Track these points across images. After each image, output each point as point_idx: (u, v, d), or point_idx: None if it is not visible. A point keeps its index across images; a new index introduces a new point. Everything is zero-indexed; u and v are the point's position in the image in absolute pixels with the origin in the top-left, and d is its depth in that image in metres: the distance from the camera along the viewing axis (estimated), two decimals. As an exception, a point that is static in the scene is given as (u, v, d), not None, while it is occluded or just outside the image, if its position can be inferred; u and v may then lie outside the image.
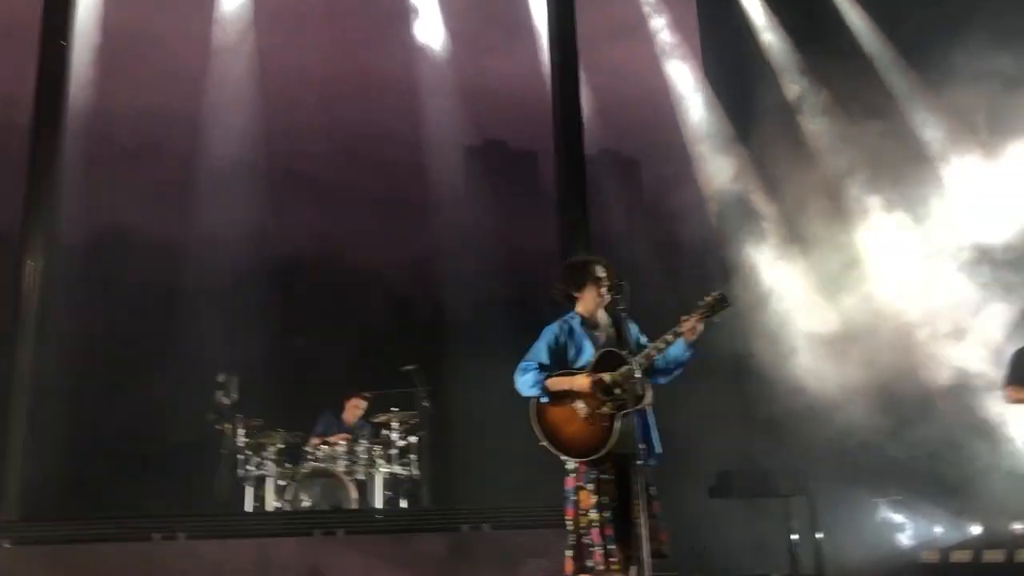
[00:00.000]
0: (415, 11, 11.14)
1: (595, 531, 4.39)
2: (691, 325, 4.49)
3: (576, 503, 4.48)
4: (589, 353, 4.65)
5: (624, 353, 4.46)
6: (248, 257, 9.69)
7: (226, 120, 9.82)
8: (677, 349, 4.58)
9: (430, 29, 11.08)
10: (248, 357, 8.74)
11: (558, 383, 4.56)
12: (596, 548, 4.35)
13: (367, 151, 10.56)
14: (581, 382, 4.50)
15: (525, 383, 4.61)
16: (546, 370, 4.61)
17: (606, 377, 4.50)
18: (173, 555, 6.68)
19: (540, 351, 4.68)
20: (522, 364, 4.66)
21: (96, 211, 9.42)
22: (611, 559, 4.34)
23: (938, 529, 9.15)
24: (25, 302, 7.89)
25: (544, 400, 4.57)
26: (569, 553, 4.43)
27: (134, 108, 9.64)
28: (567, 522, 4.49)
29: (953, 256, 9.02)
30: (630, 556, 4.35)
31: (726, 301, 4.53)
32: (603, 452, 4.45)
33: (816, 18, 10.62)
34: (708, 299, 4.53)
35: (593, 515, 4.41)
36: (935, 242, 9.18)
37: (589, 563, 4.35)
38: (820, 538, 8.02)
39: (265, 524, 7.42)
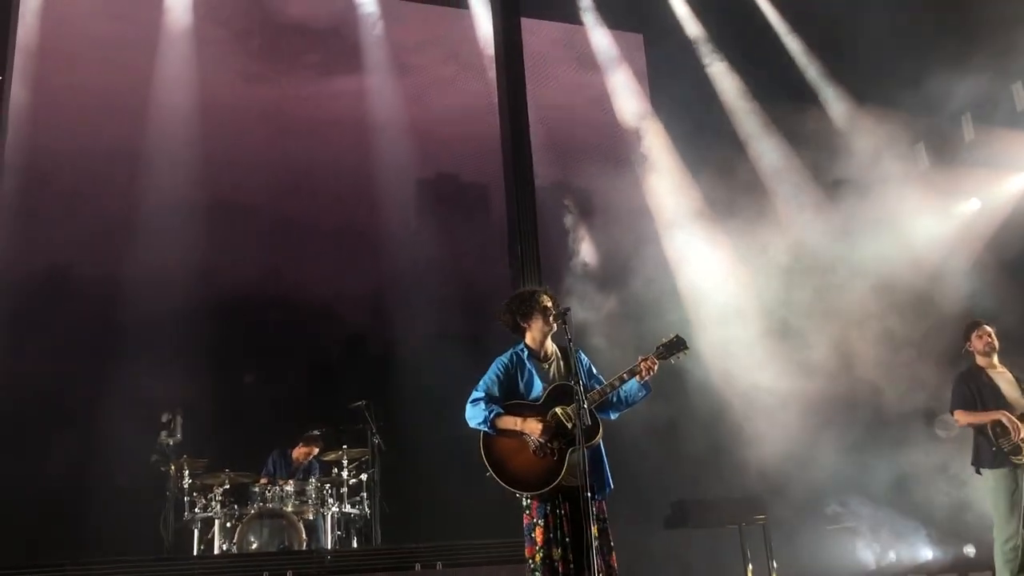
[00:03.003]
0: (365, 44, 11.15)
1: (546, 568, 4.35)
2: (647, 365, 4.54)
3: (533, 540, 4.45)
4: (538, 387, 4.65)
5: (574, 386, 4.42)
6: (193, 294, 9.47)
7: (168, 155, 9.62)
8: (631, 387, 4.63)
9: (379, 61, 11.07)
10: (193, 396, 8.56)
11: (507, 423, 4.53)
12: None
13: (315, 184, 10.47)
14: (531, 427, 4.47)
15: (474, 417, 4.59)
16: (495, 401, 4.59)
17: (558, 411, 4.49)
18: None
19: (491, 382, 4.66)
20: (472, 396, 4.65)
21: (35, 250, 9.20)
22: None
23: (892, 555, 9.20)
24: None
25: (491, 433, 4.53)
26: None
27: (73, 145, 9.45)
28: (528, 561, 4.45)
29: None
30: None
31: (683, 344, 4.66)
32: (552, 487, 4.41)
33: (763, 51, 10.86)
34: (666, 341, 4.65)
35: (546, 551, 4.38)
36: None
37: None
38: (775, 566, 8.00)
39: (212, 567, 7.20)
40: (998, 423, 6.14)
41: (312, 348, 10.35)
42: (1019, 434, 6.08)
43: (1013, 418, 6.12)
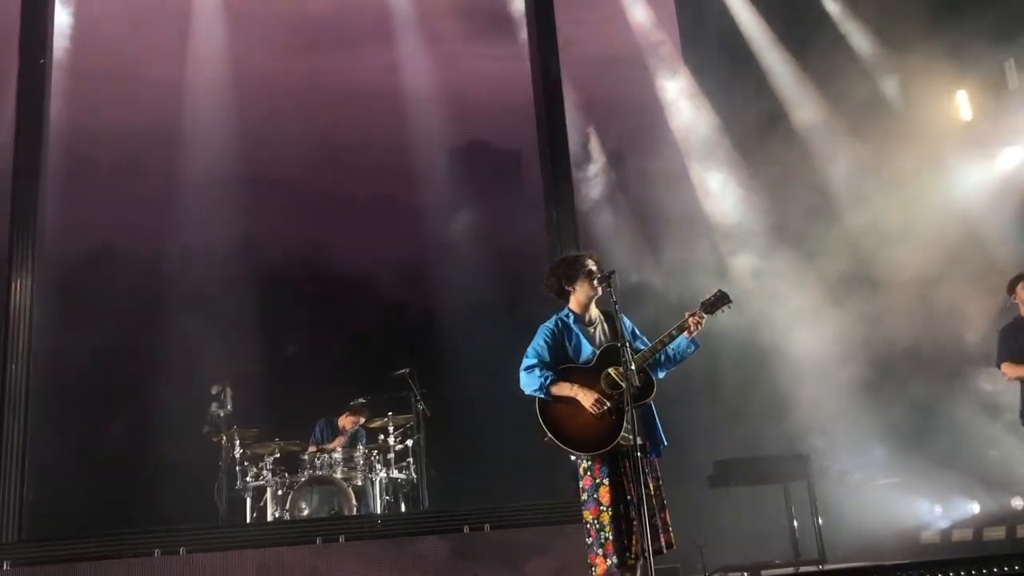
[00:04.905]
0: (394, 13, 11.10)
1: (614, 526, 4.44)
2: (695, 321, 4.59)
3: (597, 500, 4.51)
4: (587, 350, 4.70)
5: (622, 348, 4.48)
6: (235, 268, 9.67)
7: (205, 132, 9.75)
8: (679, 344, 4.68)
9: (409, 31, 11.04)
10: (241, 368, 8.72)
11: (561, 389, 4.58)
12: (617, 543, 4.41)
13: (350, 157, 10.52)
14: (585, 398, 4.52)
15: (529, 384, 4.65)
16: (547, 366, 4.64)
17: (611, 371, 4.55)
18: (175, 570, 6.63)
19: (540, 348, 4.72)
20: (525, 363, 4.70)
21: (82, 228, 9.38)
22: (629, 552, 4.41)
23: (938, 508, 9.16)
24: (15, 321, 7.81)
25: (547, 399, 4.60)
26: (598, 551, 4.46)
27: (113, 124, 9.58)
28: (588, 522, 4.52)
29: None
30: (643, 547, 4.37)
31: (727, 298, 4.69)
32: (612, 445, 4.48)
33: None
34: (709, 297, 4.69)
35: (615, 510, 4.47)
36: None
37: (613, 559, 4.40)
38: (820, 523, 8.00)
39: (265, 534, 7.38)
40: None
41: (353, 318, 10.51)
42: None
43: None
